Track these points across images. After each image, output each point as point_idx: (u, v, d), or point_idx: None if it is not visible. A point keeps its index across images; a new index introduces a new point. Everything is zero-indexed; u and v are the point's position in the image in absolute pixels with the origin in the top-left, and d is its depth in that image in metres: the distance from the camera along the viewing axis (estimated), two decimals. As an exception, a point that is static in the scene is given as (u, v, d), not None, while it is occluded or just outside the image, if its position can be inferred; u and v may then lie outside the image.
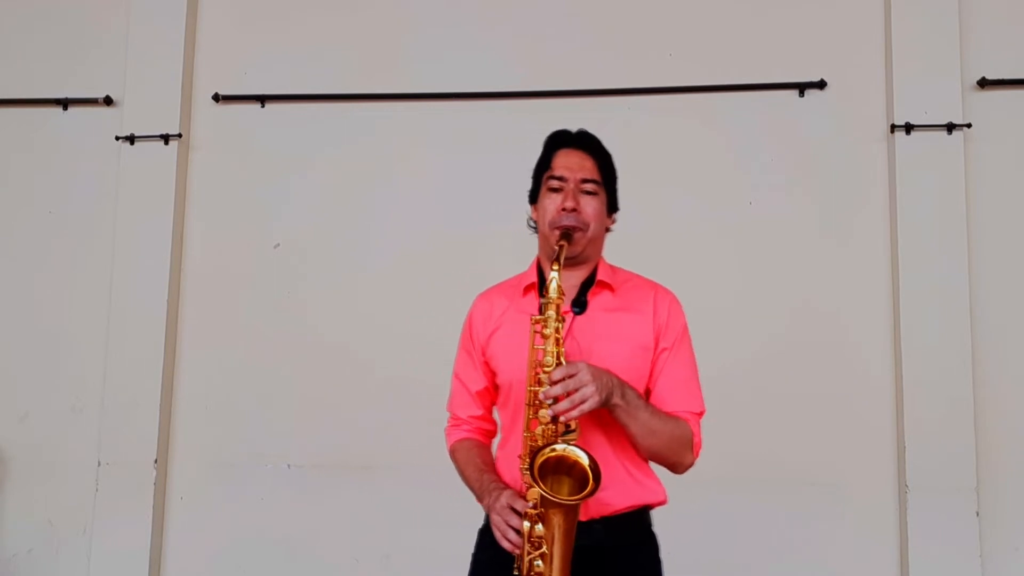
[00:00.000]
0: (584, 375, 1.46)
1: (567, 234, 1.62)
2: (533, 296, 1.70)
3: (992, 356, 2.98)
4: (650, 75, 3.20)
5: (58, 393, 3.35)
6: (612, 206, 1.74)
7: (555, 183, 1.68)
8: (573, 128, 1.78)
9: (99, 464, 3.23)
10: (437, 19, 3.34)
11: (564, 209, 1.64)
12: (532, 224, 1.76)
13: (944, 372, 2.93)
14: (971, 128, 3.02)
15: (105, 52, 3.47)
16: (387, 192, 3.29)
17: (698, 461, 3.04)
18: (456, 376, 1.82)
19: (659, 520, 3.00)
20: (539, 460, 1.46)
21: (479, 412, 1.80)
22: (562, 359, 1.51)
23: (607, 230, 1.76)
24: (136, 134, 3.34)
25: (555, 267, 1.55)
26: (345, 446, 3.19)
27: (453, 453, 1.81)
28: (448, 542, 2.99)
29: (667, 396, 1.65)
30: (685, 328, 1.73)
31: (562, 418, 1.47)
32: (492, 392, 1.77)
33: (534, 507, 1.47)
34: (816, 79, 3.14)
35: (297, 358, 3.26)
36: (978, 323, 2.97)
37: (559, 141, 1.75)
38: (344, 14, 3.39)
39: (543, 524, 1.47)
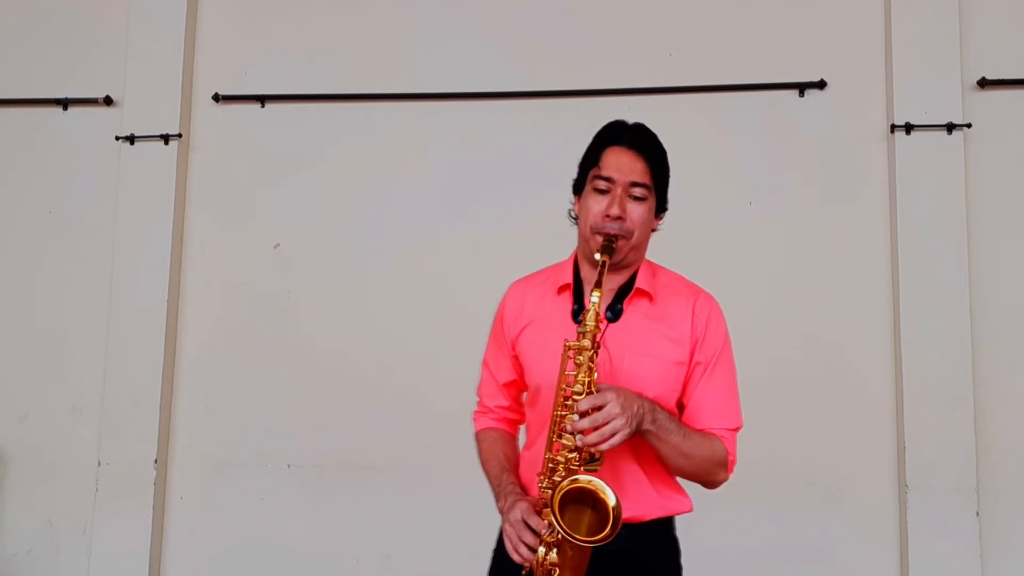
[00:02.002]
0: (614, 407, 1.39)
1: (608, 246, 1.52)
2: (567, 297, 1.63)
3: (992, 356, 2.97)
4: (650, 75, 3.20)
5: (58, 393, 3.35)
6: (661, 207, 1.65)
7: (602, 184, 1.58)
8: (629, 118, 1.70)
9: (99, 464, 3.23)
10: (437, 19, 3.34)
11: (609, 216, 1.55)
12: (573, 216, 1.67)
13: (944, 372, 2.93)
14: (971, 128, 3.02)
15: (105, 52, 3.46)
16: (387, 192, 3.29)
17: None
18: (485, 364, 1.77)
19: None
20: (561, 491, 1.41)
21: (506, 403, 1.76)
22: (592, 388, 1.44)
23: (653, 231, 1.66)
24: (136, 134, 3.34)
25: (595, 291, 1.46)
26: (345, 446, 3.19)
27: (478, 441, 1.77)
28: (448, 542, 3.01)
29: (701, 412, 1.59)
30: (726, 339, 1.66)
31: (592, 451, 1.42)
32: (521, 383, 1.72)
33: (550, 532, 1.43)
34: (816, 79, 3.14)
35: (297, 358, 3.26)
36: (978, 323, 2.97)
37: (611, 137, 1.64)
38: (344, 14, 3.39)
39: (557, 552, 1.43)
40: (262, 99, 3.37)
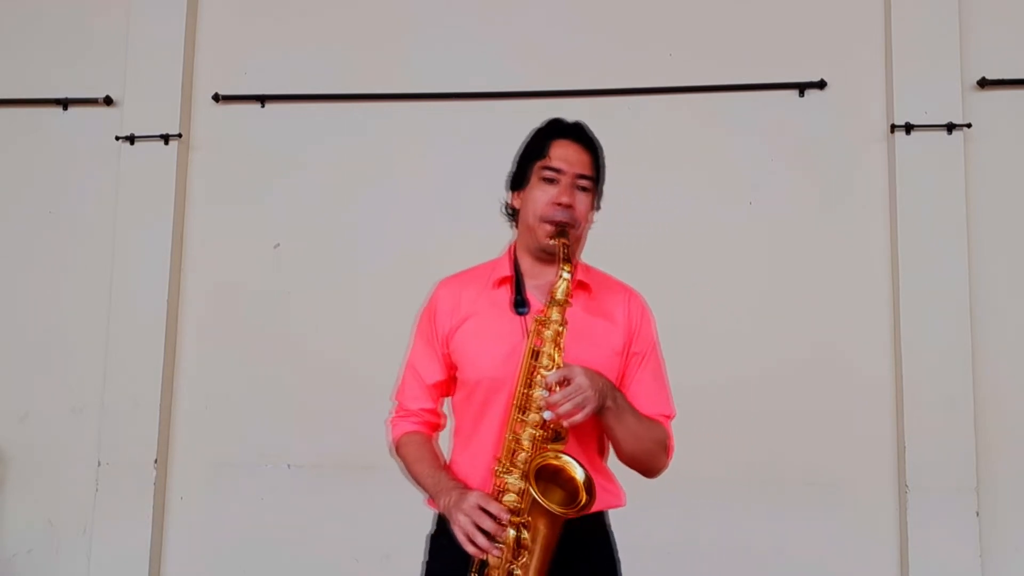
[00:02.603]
0: (582, 379, 1.43)
1: (562, 231, 1.56)
2: (506, 290, 1.64)
3: (992, 356, 2.97)
4: (650, 75, 3.20)
5: (58, 393, 3.35)
6: (596, 204, 1.69)
7: (550, 174, 1.61)
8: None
9: (99, 464, 3.23)
10: (437, 19, 3.34)
11: (560, 204, 1.58)
12: (508, 212, 1.70)
13: (944, 372, 2.93)
14: (971, 128, 3.02)
15: (105, 52, 3.46)
16: (387, 192, 3.28)
17: (697, 460, 3.02)
18: (410, 366, 1.74)
19: (660, 520, 3.00)
20: (538, 464, 1.42)
21: (430, 405, 1.73)
22: (559, 362, 1.48)
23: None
24: (136, 134, 3.34)
25: (565, 268, 1.50)
26: (345, 446, 3.19)
27: (400, 446, 1.73)
28: (448, 542, 3.01)
29: (642, 400, 1.61)
30: (655, 334, 1.70)
31: (565, 423, 1.43)
32: (448, 386, 1.71)
33: (518, 513, 1.43)
34: (816, 79, 3.14)
35: (297, 358, 3.26)
36: (978, 323, 2.97)
37: (558, 130, 1.69)
38: (344, 14, 3.39)
39: (529, 531, 1.42)
40: (262, 99, 3.37)
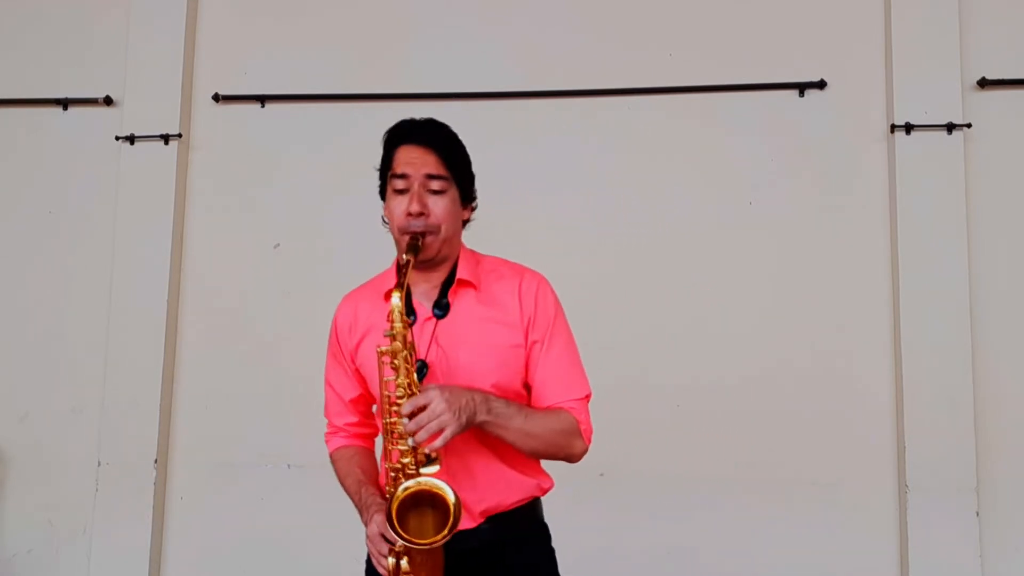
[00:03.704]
0: (437, 404, 1.37)
1: (414, 245, 1.51)
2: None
3: (992, 356, 2.98)
4: (650, 75, 3.20)
5: (58, 393, 3.35)
6: (467, 197, 1.64)
7: (399, 183, 1.56)
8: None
9: (99, 464, 3.23)
10: (437, 19, 3.34)
11: (411, 213, 1.53)
12: (386, 222, 1.65)
13: (944, 372, 2.93)
14: (971, 128, 3.02)
15: (105, 52, 3.46)
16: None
17: (697, 460, 3.03)
18: (328, 383, 1.74)
19: (661, 519, 3.00)
20: (397, 500, 1.39)
21: (355, 419, 1.73)
22: (414, 389, 1.42)
23: (466, 222, 1.66)
24: (136, 134, 3.34)
25: (396, 291, 1.43)
26: (345, 446, 3.19)
27: (333, 462, 1.74)
28: (448, 542, 3.01)
29: (547, 388, 1.58)
30: (557, 311, 1.63)
31: (423, 449, 1.40)
32: (368, 397, 1.70)
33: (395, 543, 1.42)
34: (816, 79, 3.14)
35: (297, 358, 3.25)
36: (978, 323, 2.97)
37: (399, 136, 1.63)
38: (344, 14, 3.39)
39: (408, 560, 1.43)
40: (262, 99, 3.37)
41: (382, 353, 1.46)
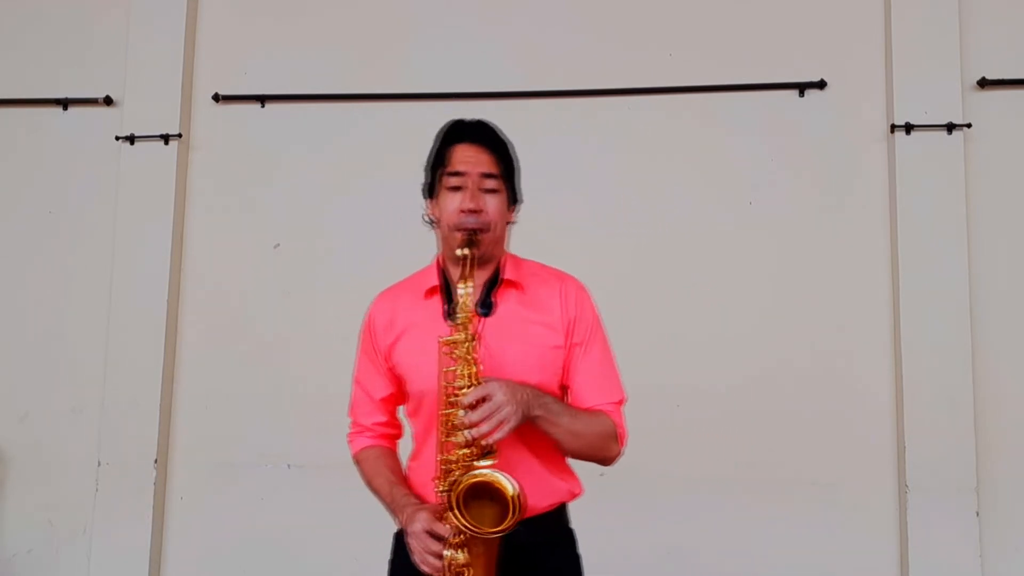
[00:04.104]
0: (500, 395, 1.40)
1: (471, 240, 1.54)
2: (437, 300, 1.63)
3: (992, 356, 2.98)
4: (650, 75, 3.20)
5: (58, 393, 3.35)
6: (513, 198, 1.67)
7: (454, 180, 1.59)
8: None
9: (99, 464, 3.23)
10: (437, 19, 3.34)
11: (465, 210, 1.57)
12: (427, 220, 1.68)
13: (944, 372, 2.93)
14: (971, 128, 3.02)
15: (105, 52, 3.46)
16: (387, 192, 3.28)
17: (698, 460, 3.03)
18: (357, 382, 1.75)
19: (662, 519, 3.00)
20: (460, 488, 1.40)
21: (383, 418, 1.74)
22: (476, 380, 1.44)
23: (509, 223, 1.69)
24: (136, 134, 3.34)
25: (464, 284, 1.48)
26: (345, 446, 3.17)
27: (359, 462, 1.75)
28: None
29: (585, 391, 1.61)
30: (596, 318, 1.67)
31: (484, 441, 1.40)
32: (398, 397, 1.71)
33: (455, 534, 1.42)
34: (816, 79, 3.14)
35: (297, 358, 3.26)
36: (978, 323, 2.97)
37: (456, 135, 1.67)
38: (344, 14, 3.39)
39: (467, 551, 1.43)
40: (262, 99, 3.37)
41: (444, 343, 1.47)
